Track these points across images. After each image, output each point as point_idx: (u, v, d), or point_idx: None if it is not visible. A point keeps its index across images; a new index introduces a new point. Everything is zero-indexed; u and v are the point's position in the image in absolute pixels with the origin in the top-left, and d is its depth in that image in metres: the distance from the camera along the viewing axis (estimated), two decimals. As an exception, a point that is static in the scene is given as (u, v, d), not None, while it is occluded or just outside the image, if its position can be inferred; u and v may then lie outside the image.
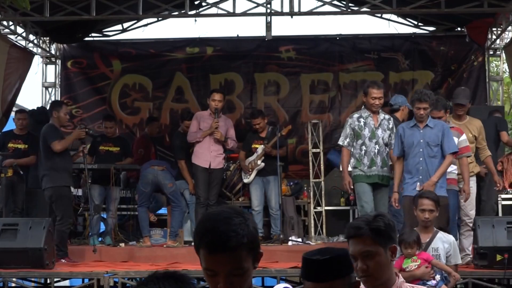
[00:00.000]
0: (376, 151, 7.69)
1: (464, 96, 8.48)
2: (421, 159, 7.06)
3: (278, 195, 9.72)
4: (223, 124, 9.58)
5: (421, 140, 7.09)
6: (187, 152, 9.77)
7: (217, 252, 2.07)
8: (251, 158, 9.98)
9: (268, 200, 9.83)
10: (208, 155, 9.39)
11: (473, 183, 8.02)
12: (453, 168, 7.48)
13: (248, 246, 2.09)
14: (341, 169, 8.22)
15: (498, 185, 8.35)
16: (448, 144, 7.09)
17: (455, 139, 7.49)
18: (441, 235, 6.05)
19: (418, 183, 6.98)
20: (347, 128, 7.83)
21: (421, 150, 7.08)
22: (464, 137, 7.67)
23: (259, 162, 9.86)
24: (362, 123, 7.74)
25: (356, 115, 7.84)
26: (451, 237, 6.14)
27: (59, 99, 13.02)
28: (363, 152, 7.70)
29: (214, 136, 9.31)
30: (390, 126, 7.77)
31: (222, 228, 2.07)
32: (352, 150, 7.80)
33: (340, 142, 7.93)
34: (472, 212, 8.07)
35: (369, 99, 7.70)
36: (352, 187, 7.79)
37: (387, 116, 7.87)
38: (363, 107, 7.94)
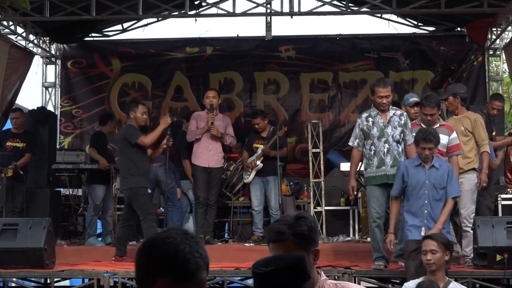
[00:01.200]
0: (385, 150, 7.37)
1: (450, 90, 8.40)
2: (426, 201, 6.67)
3: (278, 195, 9.71)
4: (221, 121, 9.58)
5: (427, 182, 6.67)
6: (190, 152, 9.75)
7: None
8: (251, 158, 9.99)
9: (268, 200, 9.83)
10: (206, 154, 9.38)
11: (473, 179, 7.93)
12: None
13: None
14: (348, 169, 7.97)
15: (477, 184, 7.93)
16: (452, 187, 6.73)
17: (446, 138, 7.38)
18: (454, 285, 5.60)
19: (423, 228, 6.60)
20: (356, 129, 7.57)
21: (426, 192, 6.67)
22: (454, 135, 7.52)
23: (258, 162, 9.86)
24: (370, 123, 7.45)
25: (365, 115, 7.54)
26: None
27: (59, 99, 13.05)
28: (372, 152, 7.42)
29: (211, 132, 9.26)
30: (402, 122, 7.41)
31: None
32: (363, 151, 7.54)
33: (350, 143, 7.69)
34: (463, 211, 7.79)
35: (376, 98, 7.43)
36: (355, 192, 7.56)
37: (398, 112, 7.52)
38: (372, 105, 7.69)
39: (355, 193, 7.59)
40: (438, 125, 7.49)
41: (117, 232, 8.88)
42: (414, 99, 8.45)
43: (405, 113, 7.55)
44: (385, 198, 7.43)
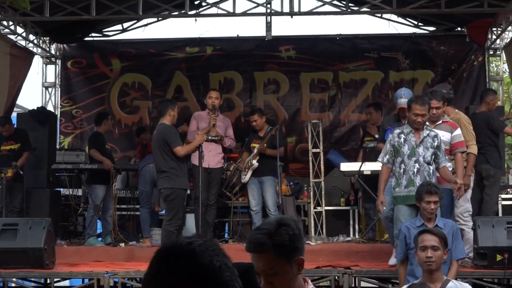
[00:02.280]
0: (415, 170, 6.96)
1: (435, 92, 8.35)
2: None
3: (274, 195, 9.68)
4: (222, 123, 9.58)
5: None
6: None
7: None
8: (248, 158, 9.99)
9: (265, 200, 9.78)
10: (206, 155, 9.37)
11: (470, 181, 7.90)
12: (447, 165, 7.24)
13: None
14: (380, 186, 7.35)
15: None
16: (457, 248, 6.24)
17: (448, 134, 7.31)
18: (453, 284, 5.06)
19: None
20: (387, 145, 7.20)
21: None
22: (458, 131, 7.42)
23: (254, 161, 9.84)
24: (402, 140, 7.05)
25: (397, 131, 7.15)
26: (466, 286, 5.14)
27: (59, 99, 13.05)
28: (401, 170, 7.04)
29: (210, 133, 9.20)
30: (435, 144, 6.98)
31: None
32: (393, 168, 7.16)
33: (379, 159, 7.32)
34: (456, 210, 7.69)
35: (411, 115, 6.98)
36: (385, 207, 7.21)
37: (432, 133, 7.07)
38: (406, 122, 7.33)
39: (384, 207, 7.20)
40: (441, 122, 7.42)
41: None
42: (401, 104, 8.06)
43: (439, 136, 7.12)
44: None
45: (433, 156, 7.00)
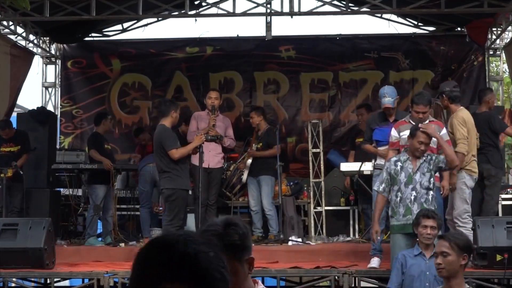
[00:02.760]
0: (412, 198, 6.79)
1: (439, 89, 8.33)
2: None
3: (269, 194, 9.68)
4: (222, 123, 9.58)
5: (427, 273, 5.92)
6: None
7: None
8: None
9: (262, 199, 9.79)
10: (206, 155, 9.35)
11: (461, 178, 7.81)
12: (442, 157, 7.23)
13: None
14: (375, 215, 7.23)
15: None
16: None
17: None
18: None
19: None
20: (383, 172, 7.03)
21: (427, 284, 5.91)
22: (444, 131, 7.38)
23: (248, 160, 9.89)
24: (399, 167, 6.86)
25: (394, 159, 6.98)
26: None
27: (59, 99, 13.05)
28: (398, 199, 6.87)
29: (209, 133, 9.17)
30: (431, 166, 6.81)
31: None
32: (389, 197, 7.00)
33: (375, 188, 7.19)
34: (454, 212, 7.73)
35: (415, 143, 6.78)
36: (379, 237, 7.11)
37: (428, 157, 6.87)
38: (403, 150, 7.15)
39: (379, 238, 7.12)
40: (427, 121, 7.35)
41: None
42: (385, 104, 8.08)
43: (434, 156, 6.94)
44: (409, 248, 6.76)
45: (431, 179, 6.82)
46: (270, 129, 9.96)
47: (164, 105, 8.80)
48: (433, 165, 6.81)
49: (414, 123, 7.26)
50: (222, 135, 9.45)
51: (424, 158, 6.85)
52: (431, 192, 6.78)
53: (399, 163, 6.88)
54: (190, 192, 8.48)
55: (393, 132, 7.58)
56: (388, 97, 8.09)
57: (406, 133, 7.21)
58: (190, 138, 9.55)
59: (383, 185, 6.94)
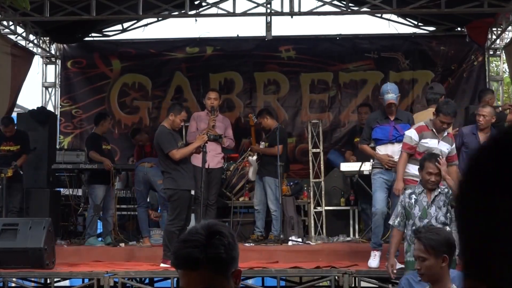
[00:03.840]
0: None
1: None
2: None
3: (274, 195, 9.69)
4: (221, 123, 9.58)
5: None
6: None
7: None
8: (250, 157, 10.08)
9: (268, 201, 9.82)
10: (206, 155, 9.38)
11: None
12: (414, 169, 7.05)
13: None
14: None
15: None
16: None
17: (448, 146, 7.18)
18: None
19: None
20: (398, 206, 6.71)
21: None
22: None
23: (253, 158, 9.95)
24: (413, 200, 6.54)
25: (408, 191, 6.66)
26: None
27: (59, 99, 13.06)
28: (413, 234, 6.35)
29: (209, 133, 9.15)
30: (448, 200, 6.51)
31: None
32: (405, 231, 6.68)
33: (390, 222, 6.90)
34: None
35: (424, 175, 6.48)
36: (395, 271, 6.85)
37: (445, 190, 6.57)
38: (418, 181, 6.83)
39: (394, 272, 6.87)
40: (446, 133, 7.28)
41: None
42: (389, 99, 8.03)
43: (449, 189, 6.60)
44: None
45: (447, 214, 6.50)
46: (275, 129, 9.96)
47: (170, 106, 8.88)
48: (451, 199, 6.47)
49: (435, 130, 7.15)
50: (221, 134, 9.45)
51: (439, 190, 6.51)
52: (447, 228, 6.19)
53: (413, 196, 6.55)
54: (192, 193, 8.48)
55: (414, 135, 7.26)
56: (392, 93, 8.07)
57: (427, 141, 7.13)
58: (190, 138, 9.55)
59: (398, 219, 6.64)
